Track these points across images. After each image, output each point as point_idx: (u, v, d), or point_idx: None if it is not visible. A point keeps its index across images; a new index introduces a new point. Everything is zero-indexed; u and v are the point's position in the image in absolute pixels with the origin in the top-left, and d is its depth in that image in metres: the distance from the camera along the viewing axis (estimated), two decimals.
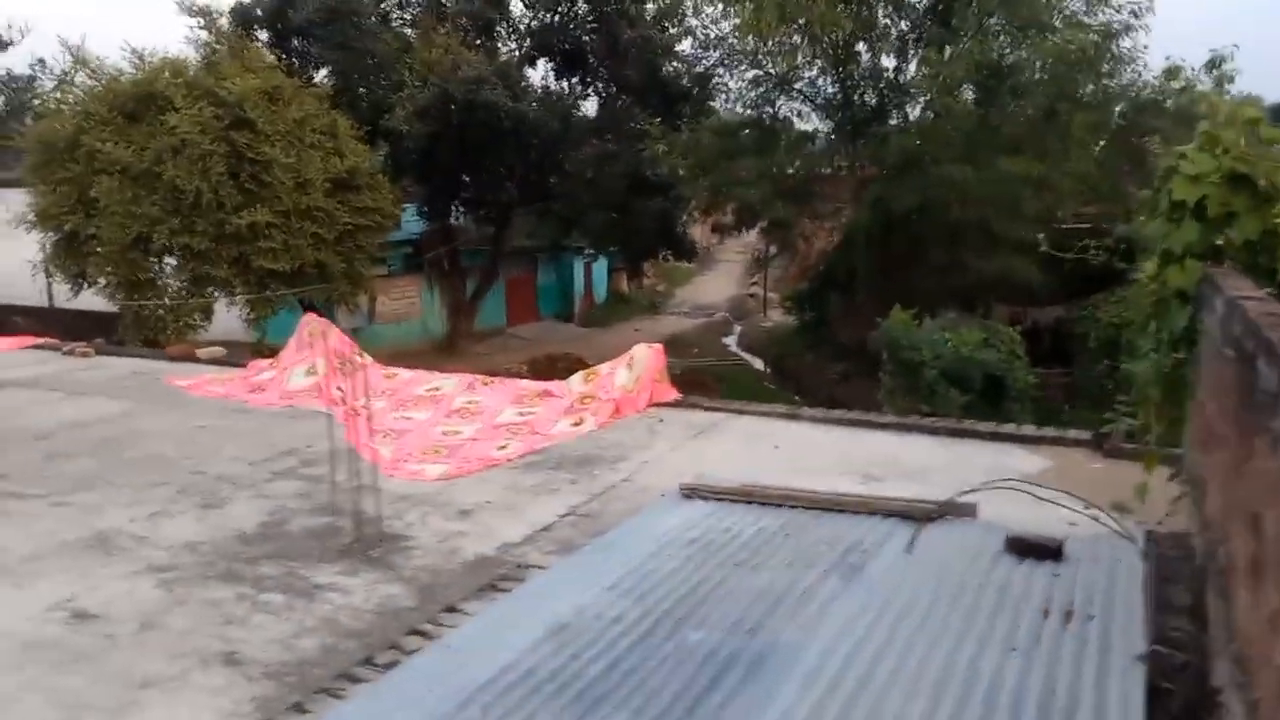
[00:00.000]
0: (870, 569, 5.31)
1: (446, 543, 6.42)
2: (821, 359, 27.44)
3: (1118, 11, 20.13)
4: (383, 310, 29.74)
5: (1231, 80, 20.52)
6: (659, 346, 10.21)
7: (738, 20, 21.37)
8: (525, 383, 10.64)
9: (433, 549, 6.32)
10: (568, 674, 4.08)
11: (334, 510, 6.91)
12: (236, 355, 13.94)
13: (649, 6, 25.29)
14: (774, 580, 5.12)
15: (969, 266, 20.66)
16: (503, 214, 28.89)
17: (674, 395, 9.82)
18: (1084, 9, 20.62)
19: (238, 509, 7.12)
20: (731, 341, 34.49)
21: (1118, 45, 19.93)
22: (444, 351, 27.96)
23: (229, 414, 9.89)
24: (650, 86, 25.91)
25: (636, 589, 5.04)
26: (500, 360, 25.02)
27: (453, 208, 28.96)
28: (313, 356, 10.90)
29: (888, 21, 21.89)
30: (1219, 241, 5.32)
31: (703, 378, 27.20)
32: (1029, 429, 8.85)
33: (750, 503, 6.78)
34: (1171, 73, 20.50)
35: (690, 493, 6.84)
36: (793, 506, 6.60)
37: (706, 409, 9.58)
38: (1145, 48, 20.39)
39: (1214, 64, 20.35)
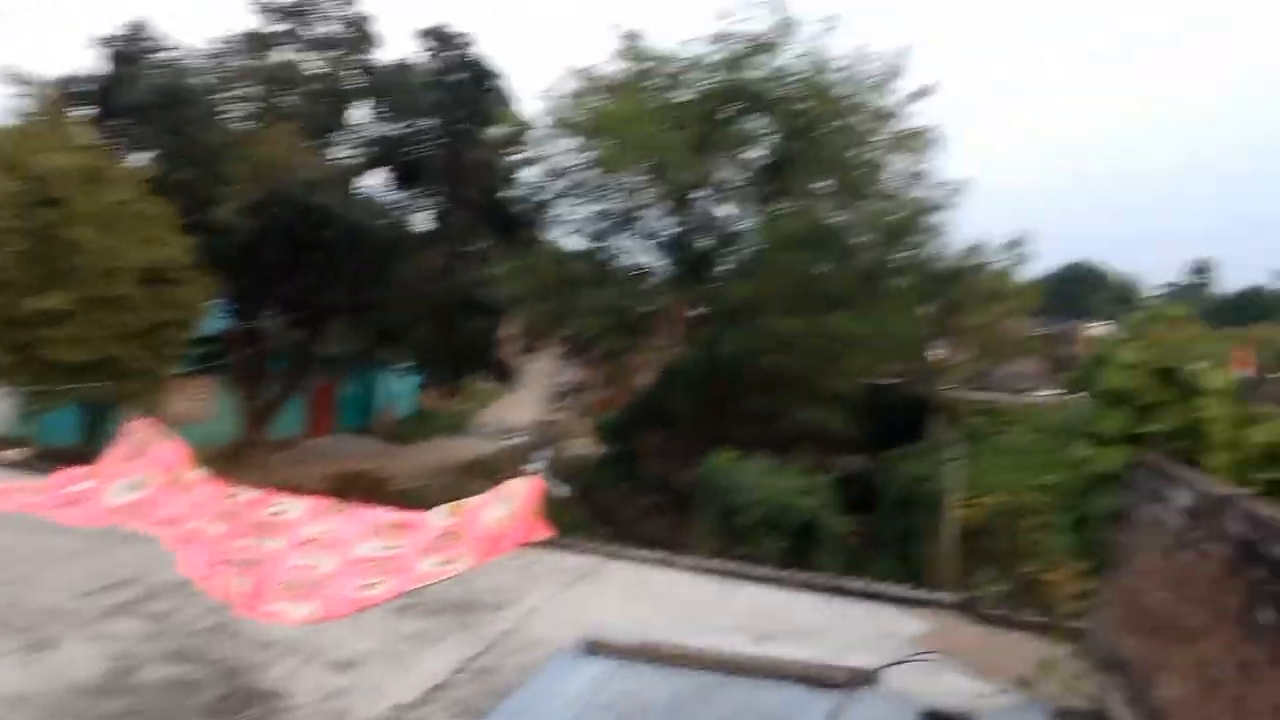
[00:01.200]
0: None
1: (330, 702, 5.71)
2: (632, 491, 27.42)
3: (935, 191, 21.95)
4: (172, 412, 27.47)
5: (1025, 260, 22.73)
6: (536, 479, 9.75)
7: (594, 153, 21.78)
8: (381, 511, 9.87)
9: (315, 710, 5.58)
10: None
11: (189, 657, 6.03)
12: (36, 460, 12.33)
13: (496, 130, 25.41)
14: None
15: (787, 414, 21.35)
16: (318, 319, 27.67)
17: (547, 533, 9.35)
18: (903, 184, 22.35)
19: (72, 652, 6.08)
20: (538, 467, 33.94)
21: (932, 219, 21.62)
22: (234, 460, 26.02)
23: (40, 532, 8.60)
24: (490, 207, 25.87)
25: None
26: (297, 474, 23.54)
27: (265, 308, 27.50)
28: (139, 468, 9.77)
29: (731, 174, 22.96)
30: (1146, 429, 5.63)
31: None
32: (900, 589, 8.97)
33: (655, 663, 6.45)
34: (974, 249, 22.54)
35: (592, 649, 6.43)
36: (701, 669, 6.31)
37: (580, 551, 9.19)
38: (952, 224, 22.23)
39: (1012, 245, 22.53)
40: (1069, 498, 6.02)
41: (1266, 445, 5.48)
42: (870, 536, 21.31)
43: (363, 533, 9.07)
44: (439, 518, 9.22)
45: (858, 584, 9.00)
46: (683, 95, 22.94)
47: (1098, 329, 59.09)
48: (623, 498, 27.01)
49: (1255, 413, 5.57)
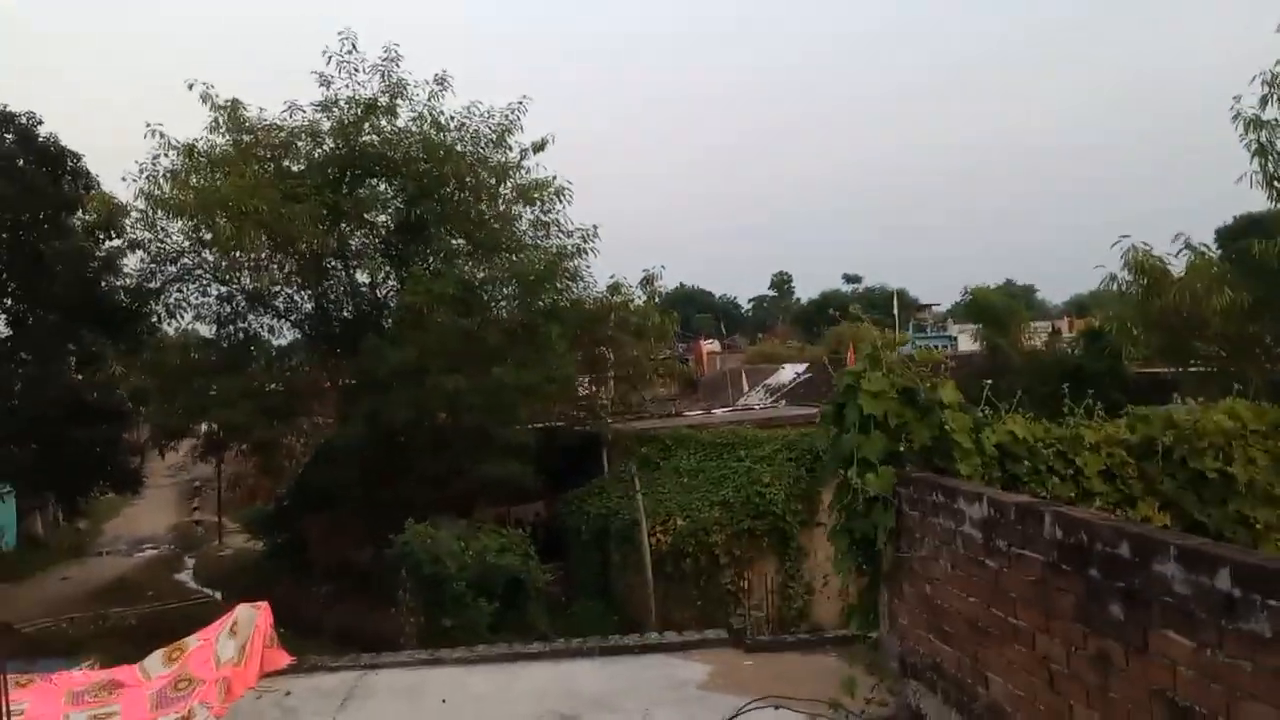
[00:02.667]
0: None
1: None
2: (304, 583, 25.63)
3: (569, 237, 22.70)
4: None
5: (660, 294, 24.11)
6: (263, 605, 8.76)
7: (208, 233, 20.08)
8: (77, 673, 8.39)
9: None
10: None
11: None
12: None
13: (83, 218, 22.54)
14: None
15: (463, 472, 21.06)
16: None
17: (287, 660, 8.45)
18: (541, 235, 22.92)
19: None
20: (187, 577, 30.72)
21: (574, 264, 22.35)
22: None
23: None
24: (86, 303, 22.92)
25: None
26: None
27: None
28: None
29: (363, 240, 22.26)
30: (901, 449, 6.15)
31: (174, 624, 23.79)
32: (671, 635, 9.14)
33: None
34: (614, 288, 23.58)
35: None
36: None
37: (333, 670, 8.37)
38: (589, 267, 23.12)
39: (648, 280, 23.84)
40: (845, 520, 6.39)
41: (999, 445, 6.21)
42: (568, 579, 21.53)
43: (57, 705, 7.66)
44: (156, 667, 8.04)
45: (629, 640, 9.04)
46: (297, 164, 22.00)
47: (712, 346, 64.48)
48: (297, 590, 25.16)
49: (980, 419, 6.29)
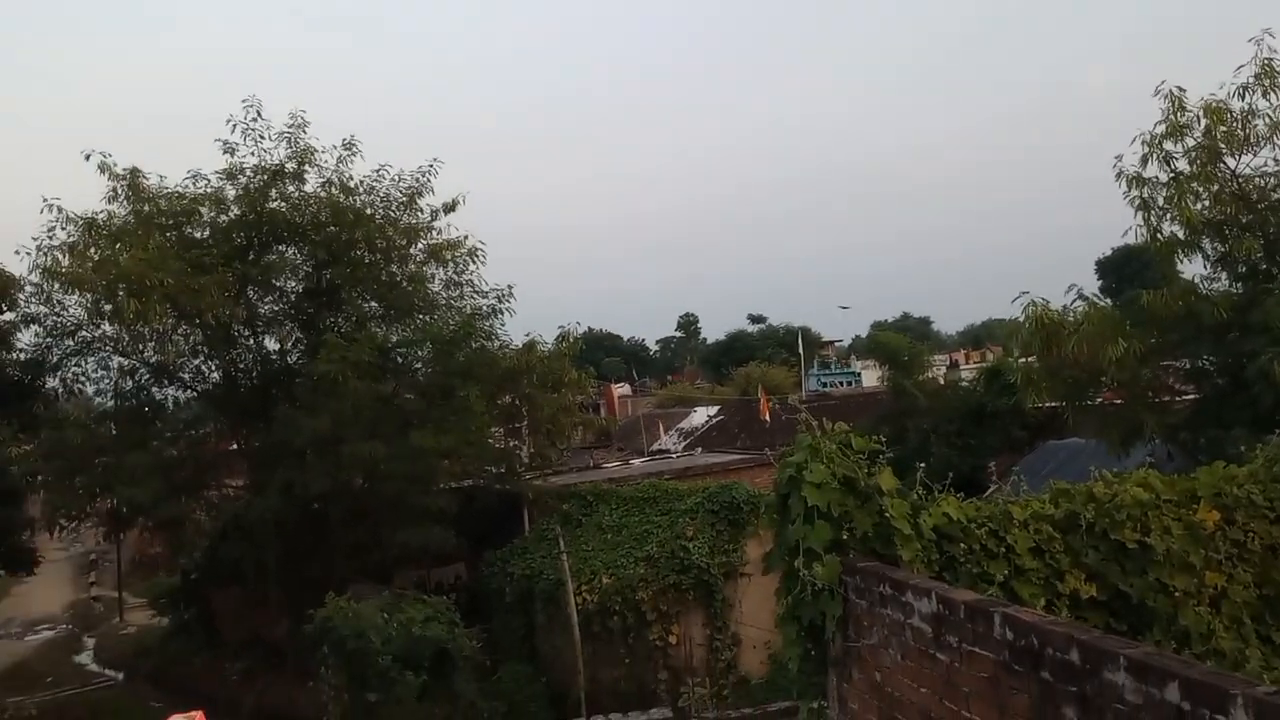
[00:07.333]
0: None
1: None
2: (215, 660, 24.75)
3: (484, 297, 22.69)
4: None
5: (577, 351, 24.25)
6: (197, 715, 8.48)
7: (109, 306, 19.44)
8: None
9: None
10: None
11: None
12: None
13: None
14: None
15: (382, 540, 20.77)
16: None
17: None
18: (455, 296, 22.86)
19: None
20: (88, 659, 29.27)
21: (489, 324, 22.33)
22: None
23: None
24: None
25: None
26: None
27: None
28: None
29: (272, 307, 21.88)
30: (844, 537, 6.36)
31: (79, 712, 22.69)
32: (615, 716, 9.10)
33: None
34: (530, 346, 23.62)
35: None
36: None
37: None
38: (504, 326, 23.11)
39: (564, 336, 23.96)
40: (793, 607, 6.55)
41: (936, 528, 6.47)
42: (493, 643, 21.29)
43: None
44: None
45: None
46: (201, 232, 21.57)
47: (623, 390, 64.68)
48: (208, 669, 24.29)
49: (917, 503, 6.54)
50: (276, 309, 22.42)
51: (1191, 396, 16.93)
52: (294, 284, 22.60)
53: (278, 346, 22.52)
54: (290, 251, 22.16)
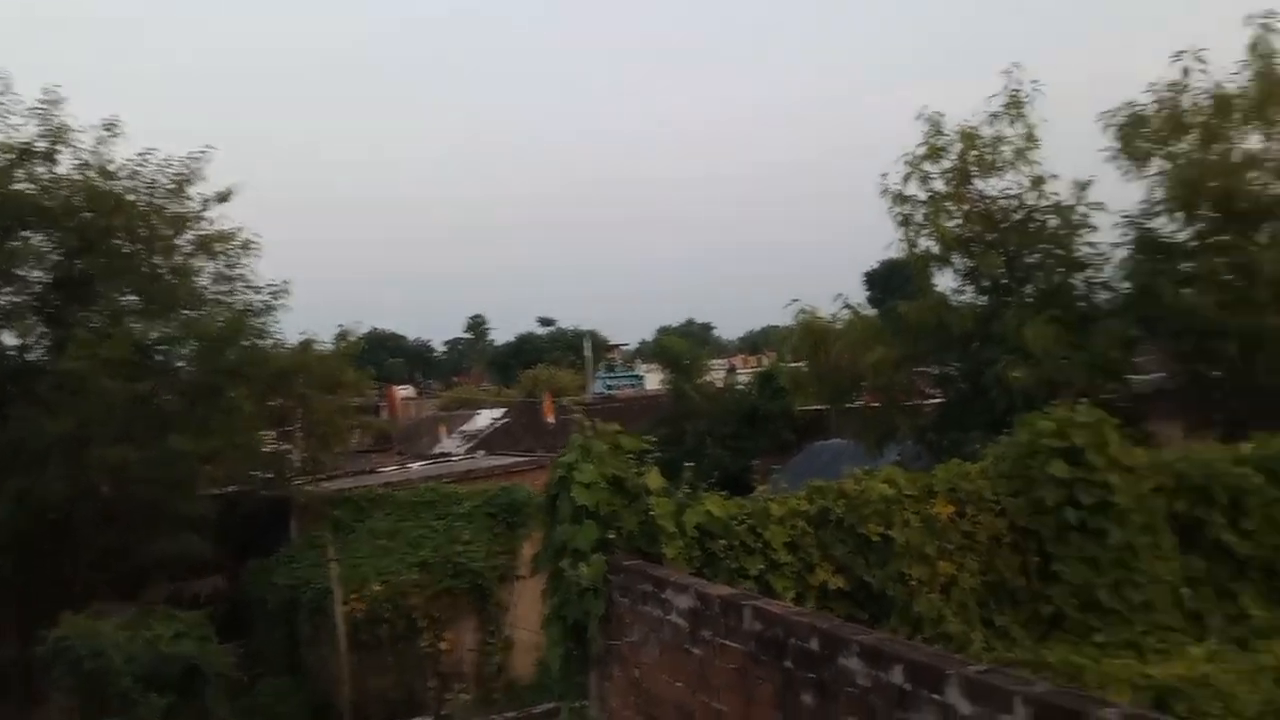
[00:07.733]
0: None
1: None
2: None
3: (258, 293, 21.51)
4: None
5: (358, 351, 23.48)
6: None
7: None
8: None
9: None
10: None
11: None
12: None
13: None
14: None
15: (131, 549, 19.38)
16: None
17: None
18: (225, 291, 21.53)
19: None
20: None
21: (262, 321, 21.19)
22: None
23: None
24: None
25: None
26: None
27: None
28: None
29: (13, 299, 19.90)
30: (611, 536, 6.44)
31: None
32: None
33: None
34: (306, 344, 22.70)
35: None
36: None
37: None
38: (279, 323, 22.01)
39: (343, 336, 23.15)
40: (558, 608, 6.55)
41: (699, 525, 6.64)
42: (253, 657, 20.21)
43: None
44: None
45: None
46: None
47: (406, 391, 63.16)
48: None
49: (682, 501, 6.70)
50: (18, 300, 20.42)
51: (939, 400, 18.31)
52: (40, 273, 20.68)
53: (18, 341, 20.53)
54: (38, 238, 20.28)
